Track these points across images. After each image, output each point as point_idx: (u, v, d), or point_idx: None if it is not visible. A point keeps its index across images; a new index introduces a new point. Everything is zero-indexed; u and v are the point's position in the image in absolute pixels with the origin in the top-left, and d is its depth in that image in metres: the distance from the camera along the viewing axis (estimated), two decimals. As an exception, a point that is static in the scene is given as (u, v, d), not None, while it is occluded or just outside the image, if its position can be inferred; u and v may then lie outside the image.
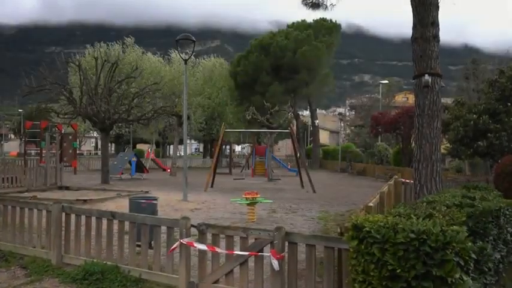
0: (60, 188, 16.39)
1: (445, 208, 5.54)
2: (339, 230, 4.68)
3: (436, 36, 11.48)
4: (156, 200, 6.77)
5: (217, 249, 4.86)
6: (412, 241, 3.62)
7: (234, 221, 10.70)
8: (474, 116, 16.40)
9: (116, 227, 5.79)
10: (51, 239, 6.11)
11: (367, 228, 3.85)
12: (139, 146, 58.04)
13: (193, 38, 14.04)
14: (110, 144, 67.97)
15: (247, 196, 10.62)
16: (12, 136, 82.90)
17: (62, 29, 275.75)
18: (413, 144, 28.14)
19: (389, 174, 27.03)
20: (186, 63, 14.52)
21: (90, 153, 71.57)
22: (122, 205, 12.50)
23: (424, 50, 11.50)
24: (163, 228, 5.47)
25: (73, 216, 6.14)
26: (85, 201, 12.12)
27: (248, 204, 10.64)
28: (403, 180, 14.35)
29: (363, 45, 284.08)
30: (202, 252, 5.09)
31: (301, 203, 14.82)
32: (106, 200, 12.95)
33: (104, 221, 5.84)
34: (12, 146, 75.15)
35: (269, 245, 4.61)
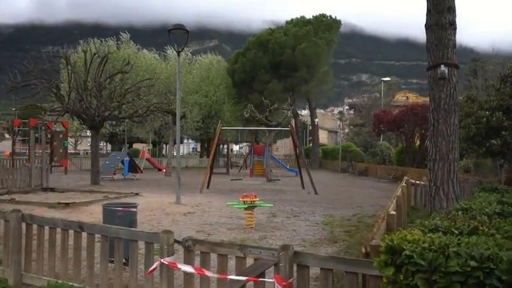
0: (45, 189, 15.31)
1: (486, 218, 4.55)
2: (363, 250, 3.65)
3: (453, 24, 10.44)
4: (135, 207, 5.73)
5: (207, 273, 3.85)
6: (474, 271, 2.61)
7: (230, 227, 9.69)
8: (487, 112, 15.39)
9: (85, 240, 4.76)
10: (8, 255, 5.08)
11: (408, 252, 2.83)
12: (135, 146, 56.93)
13: (187, 28, 13.02)
14: (105, 144, 66.88)
15: (245, 199, 9.59)
16: (7, 136, 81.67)
17: (59, 29, 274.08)
18: (417, 143, 27.25)
19: (393, 175, 26.10)
20: (179, 54, 13.50)
21: (87, 153, 70.21)
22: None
23: (440, 38, 10.48)
24: (142, 243, 4.44)
25: (35, 227, 5.11)
26: (67, 204, 11.07)
27: (246, 209, 9.61)
28: (413, 181, 13.37)
29: (360, 44, 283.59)
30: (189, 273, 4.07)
31: (302, 206, 13.80)
32: (91, 203, 11.89)
33: (71, 233, 4.82)
34: (7, 146, 73.92)
35: (273, 267, 3.59)
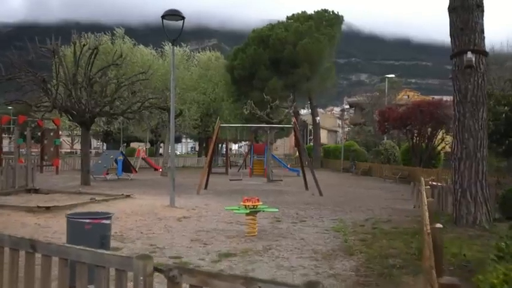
0: (29, 190, 14.11)
1: None
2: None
3: (481, 5, 9.23)
4: (109, 217, 4.57)
5: (198, 318, 2.71)
6: None
7: (229, 235, 8.55)
8: (505, 108, 14.28)
9: (40, 262, 3.62)
10: None
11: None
12: (134, 145, 55.78)
13: (183, 14, 11.88)
14: (101, 143, 65.65)
15: (247, 204, 8.45)
16: (4, 135, 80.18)
17: (55, 28, 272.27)
18: (425, 142, 26.07)
19: (400, 175, 24.98)
20: (173, 43, 12.39)
21: (85, 152, 68.79)
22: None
23: (466, 21, 9.31)
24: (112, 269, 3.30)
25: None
26: (48, 208, 9.91)
27: (247, 214, 8.47)
28: (430, 182, 12.26)
29: (359, 44, 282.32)
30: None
31: (308, 209, 12.67)
32: (76, 206, 10.74)
33: (22, 254, 3.67)
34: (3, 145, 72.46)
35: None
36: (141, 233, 8.59)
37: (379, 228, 9.43)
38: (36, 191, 14.01)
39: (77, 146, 71.95)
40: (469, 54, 8.85)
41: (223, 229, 9.21)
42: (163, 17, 11.86)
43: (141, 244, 7.56)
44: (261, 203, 8.75)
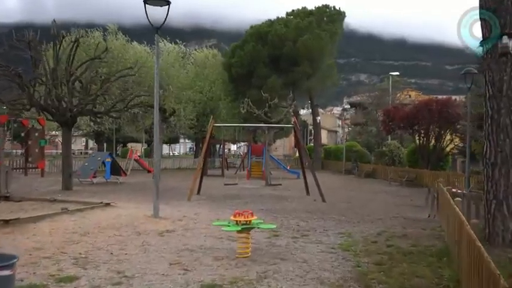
0: (-3, 198, 12.68)
1: None
2: None
3: (517, -19, 7.91)
4: (9, 266, 3.09)
5: None
6: None
7: (218, 255, 7.10)
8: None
9: None
10: None
11: None
12: (130, 146, 54.43)
13: (168, -1, 10.45)
14: (98, 145, 64.18)
15: (238, 219, 7.00)
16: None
17: (50, 28, 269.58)
18: (432, 142, 24.67)
19: (406, 177, 23.55)
20: (157, 32, 10.97)
21: (82, 153, 67.66)
22: (61, 227, 8.89)
23: (500, 0, 7.98)
24: None
25: None
26: (6, 222, 8.46)
27: (239, 232, 7.03)
28: (451, 189, 10.81)
29: (358, 44, 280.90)
30: None
31: (311, 220, 11.21)
32: (43, 218, 9.29)
33: None
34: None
35: None
36: (111, 253, 7.12)
37: (396, 246, 7.98)
38: (7, 199, 12.54)
39: (73, 147, 70.54)
40: (505, 39, 7.38)
41: (212, 247, 7.77)
42: (145, 1, 10.43)
43: (106, 271, 6.08)
44: (255, 217, 7.30)
